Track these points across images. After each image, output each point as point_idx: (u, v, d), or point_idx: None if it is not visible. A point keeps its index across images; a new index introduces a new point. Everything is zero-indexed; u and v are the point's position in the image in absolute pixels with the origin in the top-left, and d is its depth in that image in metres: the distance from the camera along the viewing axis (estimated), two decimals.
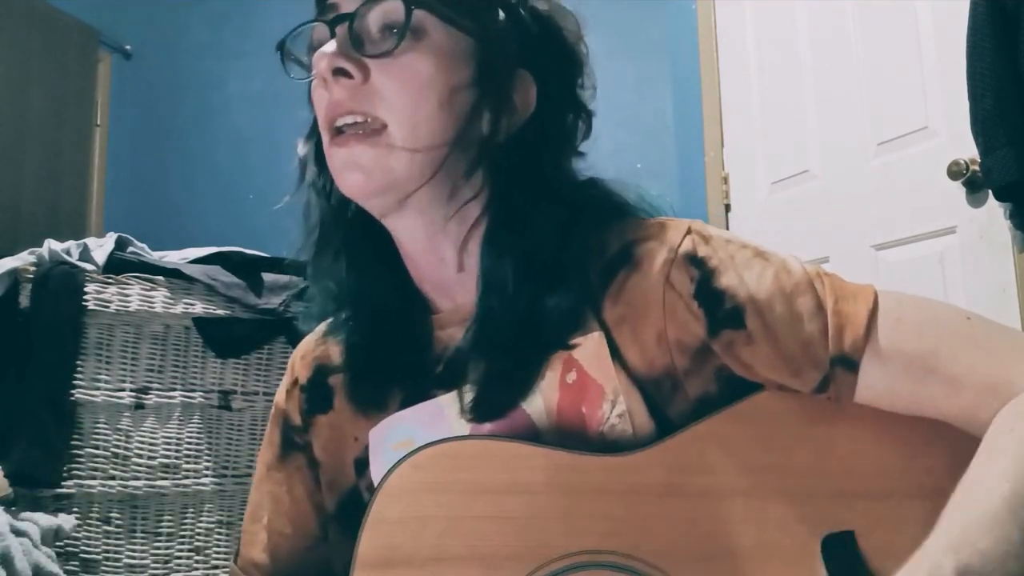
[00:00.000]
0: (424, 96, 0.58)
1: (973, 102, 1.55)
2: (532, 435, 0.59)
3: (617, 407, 0.58)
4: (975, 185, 1.70)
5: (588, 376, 0.59)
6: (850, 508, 0.55)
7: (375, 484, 0.63)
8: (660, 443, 0.56)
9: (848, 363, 0.56)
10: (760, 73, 2.31)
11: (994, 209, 1.67)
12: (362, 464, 0.66)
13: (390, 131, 0.58)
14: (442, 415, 0.62)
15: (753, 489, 0.56)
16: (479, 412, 0.60)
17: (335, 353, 0.69)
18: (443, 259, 0.64)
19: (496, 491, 0.55)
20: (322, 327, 0.72)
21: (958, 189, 1.73)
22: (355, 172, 0.59)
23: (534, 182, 0.62)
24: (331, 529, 0.69)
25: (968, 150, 1.62)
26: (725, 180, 2.40)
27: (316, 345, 0.72)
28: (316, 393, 0.70)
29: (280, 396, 0.73)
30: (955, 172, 1.69)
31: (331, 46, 0.58)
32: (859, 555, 0.53)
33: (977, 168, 1.63)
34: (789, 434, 0.57)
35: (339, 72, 0.58)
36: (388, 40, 0.58)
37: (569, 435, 0.58)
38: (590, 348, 0.60)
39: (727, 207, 2.38)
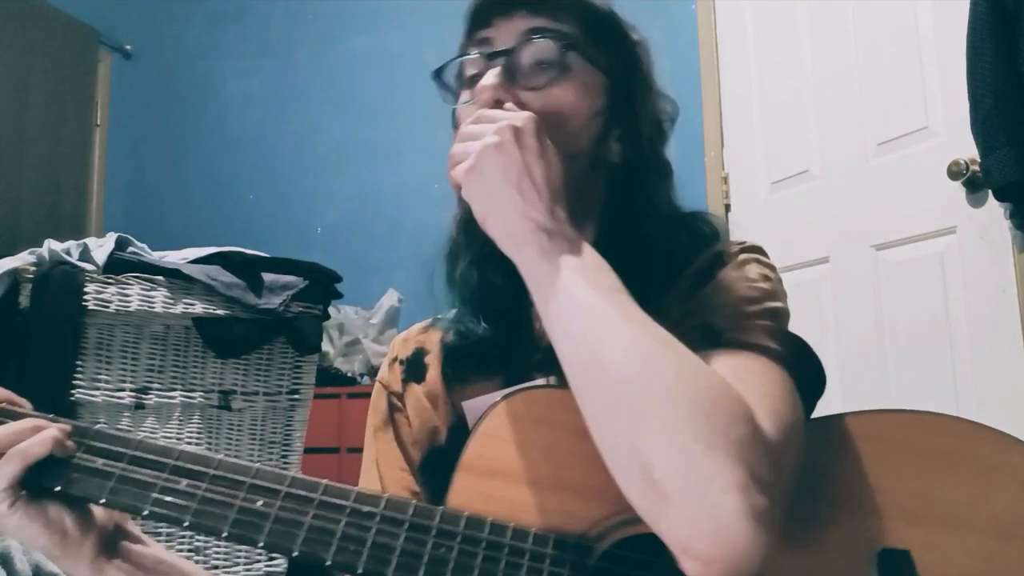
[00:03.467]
0: (567, 119, 0.69)
1: (973, 102, 1.55)
2: None
3: None
4: (975, 185, 1.70)
5: None
6: (911, 530, 0.60)
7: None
8: None
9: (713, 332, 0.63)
10: (760, 73, 2.31)
11: (994, 209, 1.67)
12: (457, 430, 0.76)
13: None
14: None
15: (826, 493, 0.62)
16: None
17: (434, 340, 0.82)
18: None
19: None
20: (427, 321, 0.86)
21: (958, 189, 1.73)
22: None
23: (641, 202, 0.74)
24: (419, 479, 0.80)
25: (968, 150, 1.62)
26: (725, 180, 2.40)
27: (419, 332, 0.86)
28: (413, 366, 0.83)
29: (383, 372, 0.86)
30: (955, 172, 1.69)
31: (491, 78, 0.68)
32: (914, 574, 0.58)
33: (977, 168, 1.63)
34: (866, 455, 0.63)
35: (499, 103, 0.67)
36: (540, 75, 0.69)
37: None
38: None
39: (727, 207, 2.38)
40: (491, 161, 0.61)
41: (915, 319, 1.82)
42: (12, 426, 0.65)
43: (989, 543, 0.59)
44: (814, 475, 0.61)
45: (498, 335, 0.75)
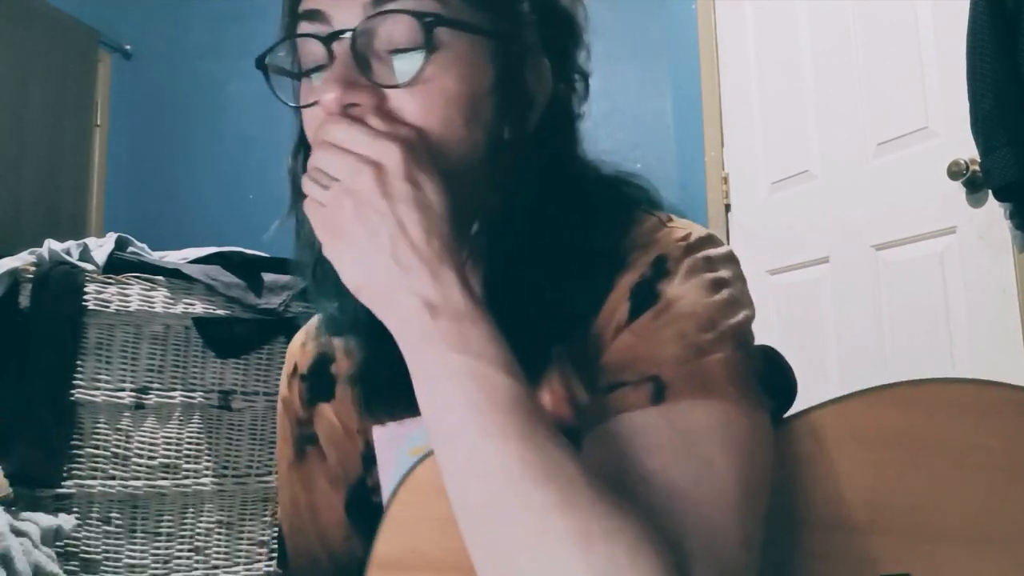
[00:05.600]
0: (451, 115, 0.52)
1: (973, 102, 1.55)
2: None
3: None
4: (975, 185, 1.70)
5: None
6: (912, 550, 0.55)
7: (381, 483, 0.63)
8: None
9: (659, 387, 0.51)
10: (760, 73, 2.31)
11: (994, 209, 1.67)
12: (368, 460, 0.65)
13: None
14: None
15: (818, 519, 0.56)
16: None
17: (339, 345, 0.68)
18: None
19: None
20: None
21: (958, 189, 1.73)
22: None
23: (551, 171, 0.58)
24: (346, 522, 0.68)
25: (968, 150, 1.62)
26: (725, 180, 2.40)
27: (317, 334, 0.70)
28: (317, 381, 0.69)
29: (283, 388, 0.72)
30: (955, 172, 1.69)
31: (335, 74, 0.51)
32: None
33: (977, 168, 1.63)
34: (859, 459, 0.57)
35: (350, 107, 0.51)
36: (402, 64, 0.51)
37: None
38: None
39: (727, 207, 2.38)
40: (353, 225, 0.47)
41: (915, 319, 1.82)
42: None
43: (991, 552, 0.53)
44: (800, 496, 0.55)
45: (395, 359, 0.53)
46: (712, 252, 0.58)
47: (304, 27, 0.54)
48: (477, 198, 0.56)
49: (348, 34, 0.52)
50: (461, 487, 0.47)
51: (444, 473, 0.47)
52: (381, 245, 0.47)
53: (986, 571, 0.53)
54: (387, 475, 0.64)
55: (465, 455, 0.46)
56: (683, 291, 0.54)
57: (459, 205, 0.51)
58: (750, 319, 0.57)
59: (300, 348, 0.71)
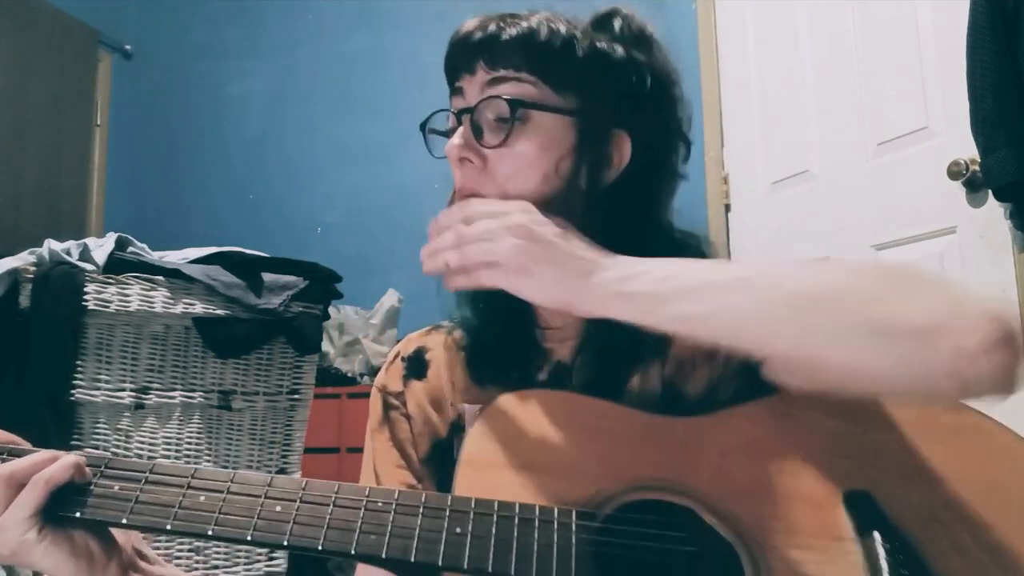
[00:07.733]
0: (531, 173, 0.72)
1: (973, 102, 1.55)
2: None
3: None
4: (975, 185, 1.70)
5: None
6: (871, 469, 0.64)
7: None
8: (712, 414, 0.70)
9: None
10: (760, 73, 2.31)
11: (994, 209, 1.67)
12: (456, 428, 0.81)
13: None
14: None
15: (788, 449, 0.67)
16: None
17: (437, 341, 0.86)
18: None
19: (584, 429, 0.69)
20: (428, 327, 0.90)
21: (958, 189, 1.73)
22: None
23: (629, 227, 0.74)
24: (423, 472, 0.83)
25: (968, 150, 1.62)
26: (725, 180, 2.40)
27: (420, 334, 0.89)
28: (414, 363, 0.86)
29: (380, 375, 0.89)
30: (955, 172, 1.69)
31: (458, 137, 0.73)
32: (879, 510, 0.62)
33: (977, 168, 1.63)
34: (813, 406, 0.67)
35: (464, 160, 0.73)
36: (499, 131, 0.72)
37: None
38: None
39: (727, 207, 2.38)
40: (524, 261, 0.64)
41: None
42: (31, 457, 0.66)
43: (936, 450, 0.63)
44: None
45: (509, 347, 0.80)
46: None
47: (454, 101, 0.76)
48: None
49: (468, 112, 0.73)
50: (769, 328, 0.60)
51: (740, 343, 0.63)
52: (557, 265, 0.64)
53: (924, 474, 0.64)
54: None
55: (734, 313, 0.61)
56: None
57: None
58: None
59: (404, 342, 0.90)
